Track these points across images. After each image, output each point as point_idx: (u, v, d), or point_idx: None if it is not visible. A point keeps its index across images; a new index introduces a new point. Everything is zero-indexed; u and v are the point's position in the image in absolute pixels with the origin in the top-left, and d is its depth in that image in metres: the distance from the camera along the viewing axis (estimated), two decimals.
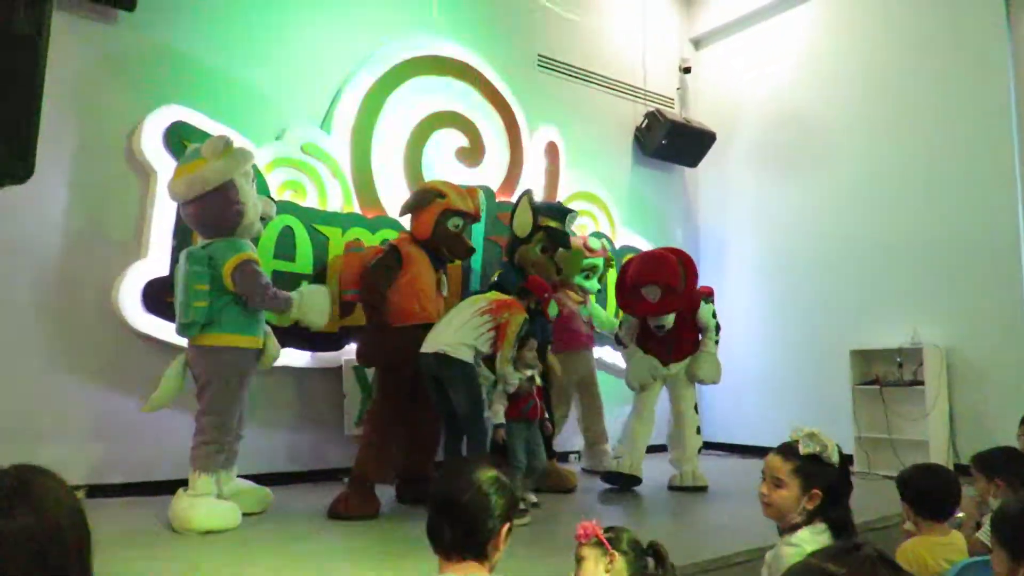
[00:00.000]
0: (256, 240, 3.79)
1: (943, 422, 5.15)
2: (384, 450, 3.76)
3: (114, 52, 4.15)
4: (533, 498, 3.84)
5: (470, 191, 4.19)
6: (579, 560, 1.70)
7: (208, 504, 3.21)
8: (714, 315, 4.76)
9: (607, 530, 1.71)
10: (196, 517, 3.13)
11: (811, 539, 1.91)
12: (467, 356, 3.61)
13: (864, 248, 5.81)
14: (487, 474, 1.54)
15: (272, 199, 3.76)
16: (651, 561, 1.71)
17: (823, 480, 1.95)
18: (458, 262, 4.56)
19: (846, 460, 2.03)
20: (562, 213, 4.60)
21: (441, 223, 3.96)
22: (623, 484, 4.44)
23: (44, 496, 0.93)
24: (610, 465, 4.54)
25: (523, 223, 4.41)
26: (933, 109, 5.50)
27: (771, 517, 2.01)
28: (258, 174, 3.76)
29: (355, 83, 4.90)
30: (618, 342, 5.04)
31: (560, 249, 4.48)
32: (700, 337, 4.74)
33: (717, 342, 4.78)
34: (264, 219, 3.65)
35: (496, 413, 3.70)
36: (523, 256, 4.43)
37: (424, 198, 4.02)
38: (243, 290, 3.36)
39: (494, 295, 3.91)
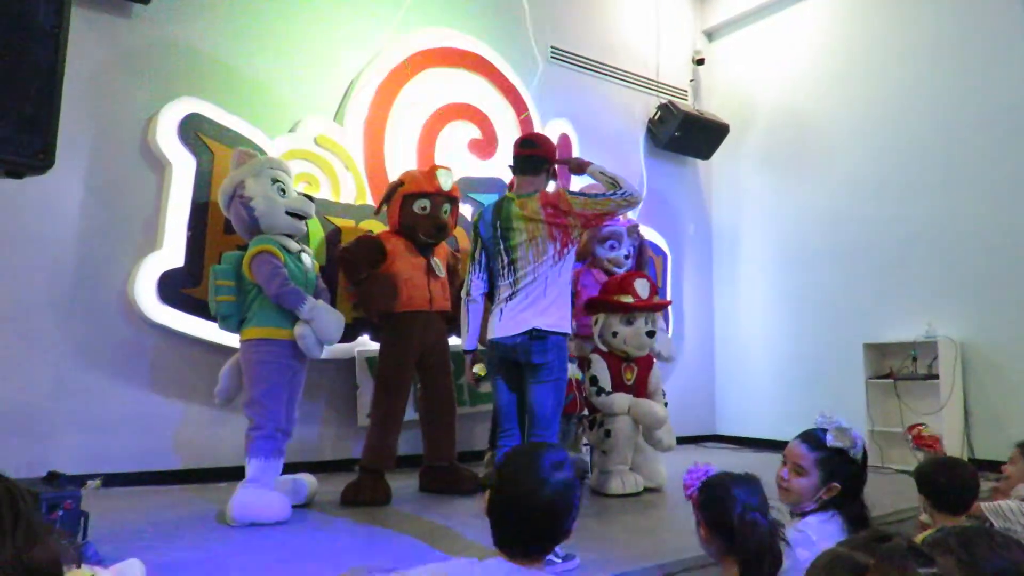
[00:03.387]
0: (304, 239, 3.84)
1: (958, 416, 5.13)
2: (384, 436, 3.80)
3: (129, 46, 4.17)
4: None
5: (431, 169, 4.11)
6: None
7: (254, 494, 3.21)
8: None
9: None
10: (239, 507, 3.14)
11: (817, 526, 1.93)
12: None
13: (878, 241, 5.78)
14: (563, 475, 1.45)
15: (309, 197, 3.75)
16: None
17: (844, 474, 1.95)
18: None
19: (866, 456, 2.04)
20: None
21: (406, 208, 3.98)
22: None
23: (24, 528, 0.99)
24: None
25: None
26: (948, 101, 5.45)
27: (785, 502, 2.02)
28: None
29: (368, 75, 4.91)
30: None
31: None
32: None
33: None
34: (299, 215, 3.65)
35: None
36: None
37: (388, 192, 4.09)
38: (258, 279, 3.40)
39: None
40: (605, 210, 3.03)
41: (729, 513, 1.59)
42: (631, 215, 5.73)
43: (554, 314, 2.90)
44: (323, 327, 3.46)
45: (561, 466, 1.46)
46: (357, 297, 4.10)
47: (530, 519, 1.41)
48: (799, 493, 1.97)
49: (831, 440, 1.99)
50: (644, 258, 4.99)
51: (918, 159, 5.59)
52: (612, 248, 4.82)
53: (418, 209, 3.94)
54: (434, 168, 4.08)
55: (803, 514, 1.98)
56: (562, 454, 1.49)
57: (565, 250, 2.96)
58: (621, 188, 3.02)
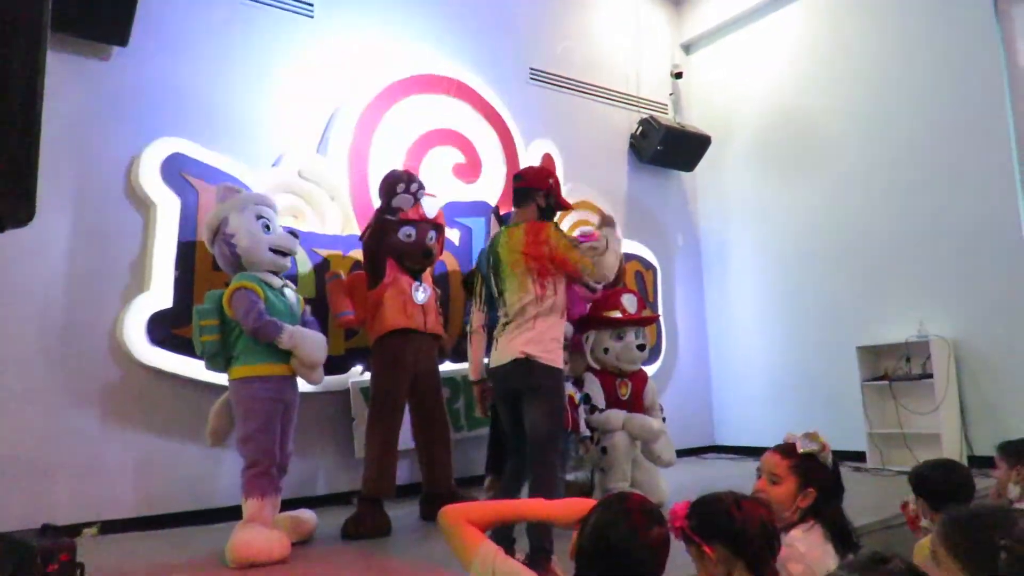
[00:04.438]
0: (293, 277, 3.89)
1: (954, 414, 5.13)
2: (382, 465, 3.78)
3: (109, 88, 4.18)
4: None
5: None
6: None
7: (252, 533, 3.17)
8: None
9: None
10: (237, 548, 3.09)
11: (803, 537, 1.96)
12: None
13: (866, 244, 5.81)
14: (654, 531, 1.47)
15: (294, 233, 3.75)
16: None
17: (818, 479, 2.00)
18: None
19: (838, 463, 2.09)
20: None
21: (391, 236, 3.96)
22: None
23: None
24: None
25: None
26: (928, 101, 5.51)
27: None
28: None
29: (349, 105, 4.93)
30: None
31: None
32: None
33: None
34: (282, 252, 3.64)
35: None
36: None
37: (372, 219, 4.09)
38: (237, 316, 3.38)
39: None
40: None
41: (724, 512, 1.61)
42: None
43: (542, 343, 2.94)
44: (307, 352, 3.44)
45: (654, 517, 1.49)
46: (357, 320, 4.06)
47: (613, 569, 1.43)
48: (778, 503, 2.01)
49: (802, 445, 2.05)
50: (620, 273, 5.01)
51: (901, 160, 5.64)
52: None
53: (404, 236, 3.94)
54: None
55: (785, 529, 1.99)
56: (657, 512, 1.52)
57: (545, 281, 2.98)
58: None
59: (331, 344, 4.46)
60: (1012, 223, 5.01)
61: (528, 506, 1.64)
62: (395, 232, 3.93)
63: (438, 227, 4.15)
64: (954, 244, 5.28)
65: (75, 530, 3.65)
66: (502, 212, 5.11)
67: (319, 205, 4.70)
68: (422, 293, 3.97)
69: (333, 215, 4.74)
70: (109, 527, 3.83)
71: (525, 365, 2.90)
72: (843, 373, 5.63)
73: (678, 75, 7.15)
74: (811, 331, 6.17)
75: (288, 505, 3.61)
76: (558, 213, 3.38)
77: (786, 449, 2.08)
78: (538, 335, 2.94)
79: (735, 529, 1.60)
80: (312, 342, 3.47)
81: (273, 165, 4.60)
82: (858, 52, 6.00)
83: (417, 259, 3.96)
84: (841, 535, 2.00)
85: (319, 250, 4.57)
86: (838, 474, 2.10)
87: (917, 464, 2.54)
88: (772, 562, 1.63)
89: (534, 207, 3.19)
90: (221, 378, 3.81)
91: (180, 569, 3.13)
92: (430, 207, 4.02)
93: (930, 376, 5.15)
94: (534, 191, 3.20)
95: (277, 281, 3.60)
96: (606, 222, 3.45)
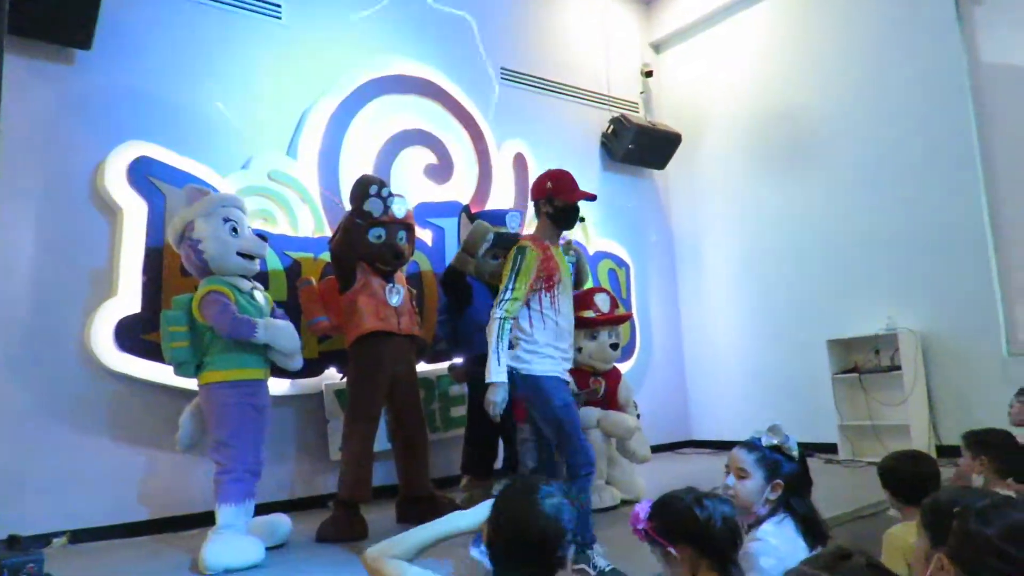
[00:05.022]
0: (263, 277, 3.87)
1: (923, 405, 5.23)
2: (359, 469, 3.76)
3: (73, 92, 4.11)
4: None
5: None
6: None
7: (227, 539, 3.14)
8: None
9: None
10: (211, 554, 3.07)
11: (775, 531, 1.99)
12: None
13: (835, 239, 5.90)
14: (555, 498, 1.52)
15: (263, 237, 3.71)
16: None
17: (785, 470, 2.05)
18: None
19: (805, 456, 2.13)
20: (500, 215, 4.60)
21: (362, 239, 3.89)
22: None
23: None
24: None
25: (477, 238, 4.39)
26: (894, 97, 5.60)
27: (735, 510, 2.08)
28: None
29: (319, 107, 4.90)
30: None
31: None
32: None
33: None
34: (250, 255, 3.60)
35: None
36: (479, 270, 4.42)
37: (341, 222, 4.05)
38: (209, 321, 3.34)
39: None
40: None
41: (686, 511, 1.63)
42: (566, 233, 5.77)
43: (516, 354, 3.08)
44: (283, 343, 3.45)
45: (551, 496, 1.52)
46: (331, 326, 4.03)
47: (524, 548, 1.47)
48: (747, 497, 2.05)
49: (765, 439, 2.11)
50: (582, 274, 5.01)
51: (869, 157, 5.72)
52: None
53: (373, 238, 3.91)
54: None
55: (756, 523, 2.02)
56: (552, 486, 1.56)
57: (505, 293, 3.07)
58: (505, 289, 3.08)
59: (304, 347, 4.44)
60: (977, 218, 5.11)
61: (444, 522, 1.67)
62: (364, 234, 3.90)
63: (408, 227, 4.13)
64: (921, 239, 5.37)
65: (45, 540, 3.60)
66: (473, 211, 5.10)
67: (289, 208, 4.66)
68: (395, 296, 3.95)
69: (304, 217, 4.70)
70: (80, 536, 3.78)
71: (512, 377, 3.06)
72: (814, 366, 5.71)
73: (648, 74, 7.20)
74: (783, 325, 6.24)
75: (262, 509, 3.59)
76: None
77: (750, 444, 2.12)
78: (514, 349, 3.13)
79: (698, 528, 1.62)
80: (285, 332, 3.49)
81: (242, 168, 4.56)
82: (825, 51, 6.09)
83: (388, 260, 3.94)
84: (812, 528, 2.04)
85: (290, 253, 4.54)
86: (806, 466, 2.14)
87: (886, 456, 2.58)
88: (735, 557, 1.66)
89: (543, 217, 3.26)
90: (191, 383, 3.77)
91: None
92: (399, 207, 3.98)
93: (899, 368, 5.24)
94: (537, 203, 3.28)
95: (246, 284, 3.57)
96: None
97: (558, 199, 3.21)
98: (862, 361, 5.56)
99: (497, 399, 2.94)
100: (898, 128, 5.55)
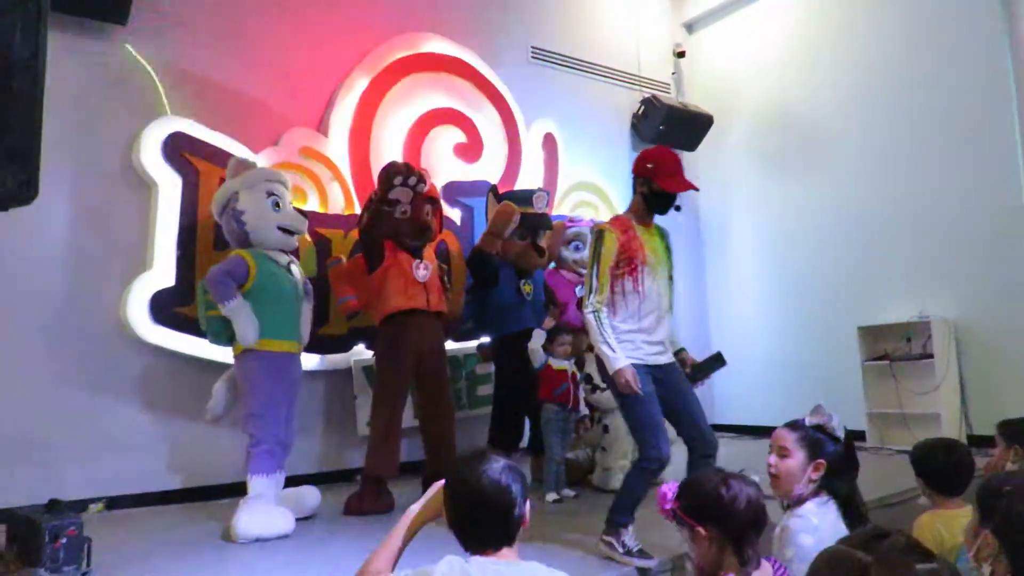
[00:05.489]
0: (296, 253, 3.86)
1: (954, 394, 5.16)
2: (386, 445, 3.80)
3: (109, 68, 4.16)
4: (571, 493, 3.88)
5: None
6: None
7: (258, 510, 3.21)
8: None
9: None
10: (243, 523, 3.13)
11: (816, 511, 1.98)
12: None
13: (868, 224, 5.80)
14: (498, 464, 1.56)
15: (304, 213, 3.74)
16: None
17: (828, 451, 2.03)
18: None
19: (851, 437, 2.11)
20: (527, 196, 4.56)
21: (386, 215, 3.89)
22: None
23: None
24: None
25: (504, 218, 4.34)
26: (932, 82, 5.47)
27: (777, 490, 2.08)
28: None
29: (350, 84, 4.91)
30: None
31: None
32: None
33: None
34: (290, 231, 3.63)
35: None
36: (506, 251, 4.42)
37: (366, 204, 4.04)
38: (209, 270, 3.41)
39: None
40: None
41: (712, 492, 1.64)
42: (592, 215, 5.74)
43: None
44: (239, 330, 3.37)
45: (495, 462, 1.57)
46: (360, 304, 4.06)
47: (480, 512, 1.53)
48: (788, 475, 2.05)
49: (808, 420, 2.10)
50: None
51: (904, 141, 5.61)
52: (577, 249, 4.85)
53: (399, 214, 3.91)
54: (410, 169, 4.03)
55: (799, 503, 2.02)
56: (496, 457, 1.60)
57: (590, 284, 2.91)
58: None
59: (333, 323, 4.50)
60: (1014, 205, 5.00)
61: (405, 521, 1.70)
62: (390, 214, 3.91)
63: (433, 200, 4.12)
64: (956, 225, 5.27)
65: (81, 506, 3.69)
66: (500, 192, 5.08)
67: (320, 185, 4.69)
68: (423, 270, 3.96)
69: (334, 195, 4.73)
70: (115, 503, 3.88)
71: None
72: (843, 353, 5.65)
73: (680, 54, 7.10)
74: (812, 311, 6.17)
75: (291, 482, 3.64)
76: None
77: (794, 424, 2.11)
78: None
79: (723, 508, 1.62)
80: (247, 327, 3.37)
81: (274, 144, 4.59)
82: (861, 32, 5.95)
83: (415, 235, 3.94)
84: (853, 512, 2.02)
85: (320, 230, 4.57)
86: (851, 449, 2.11)
87: (918, 443, 2.55)
88: (756, 540, 1.66)
89: (638, 196, 3.03)
90: (224, 356, 3.84)
91: (186, 544, 3.16)
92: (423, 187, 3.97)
93: (931, 356, 5.16)
94: (634, 180, 3.05)
95: (284, 258, 3.61)
96: None
97: (656, 183, 2.96)
98: (893, 349, 5.49)
99: (628, 377, 2.73)
100: (935, 111, 5.43)
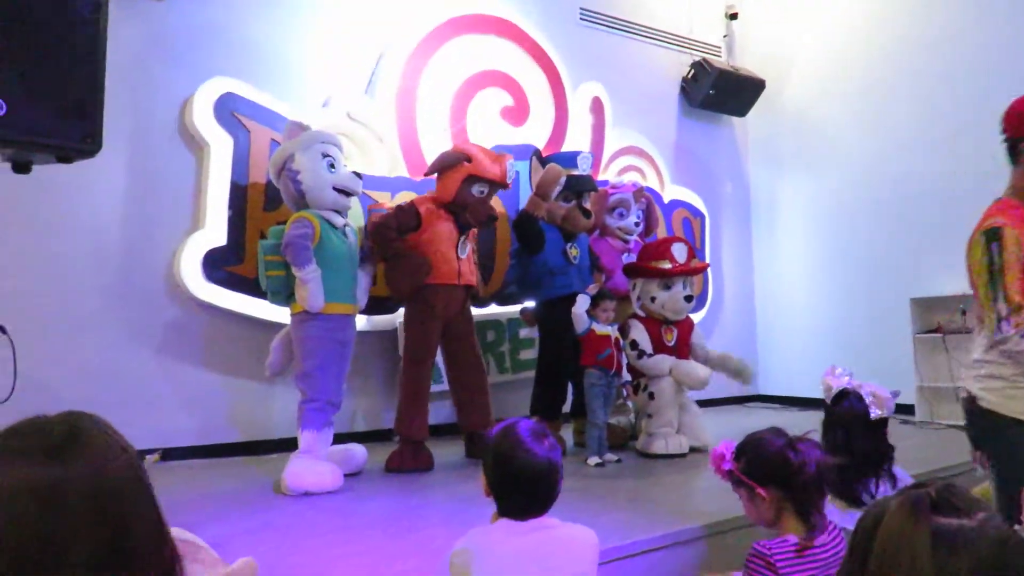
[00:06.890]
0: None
1: None
2: (412, 408, 3.86)
3: (162, 29, 4.21)
4: (613, 457, 3.90)
5: (500, 157, 4.05)
6: None
7: (308, 464, 3.30)
8: None
9: None
10: (293, 477, 3.22)
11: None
12: None
13: (921, 194, 5.62)
14: (544, 443, 1.58)
15: (359, 175, 3.77)
16: None
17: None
18: None
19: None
20: (571, 157, 4.53)
21: (465, 188, 3.92)
22: None
23: (97, 445, 0.89)
24: None
25: (549, 181, 4.32)
26: (993, 47, 5.24)
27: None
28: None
29: (396, 46, 4.89)
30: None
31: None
32: None
33: None
34: (346, 192, 3.66)
35: None
36: (551, 214, 4.40)
37: (450, 160, 3.95)
38: (285, 237, 3.44)
39: None
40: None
41: (778, 454, 1.63)
42: (635, 178, 5.64)
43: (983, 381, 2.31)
44: (307, 297, 3.41)
45: (543, 436, 1.60)
46: (385, 276, 4.10)
47: (527, 487, 1.56)
48: None
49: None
50: (653, 220, 4.90)
51: (961, 106, 5.39)
52: (621, 216, 4.83)
53: (476, 192, 3.94)
54: (504, 157, 4.04)
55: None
56: (535, 428, 1.61)
57: (995, 307, 2.17)
58: None
59: (379, 285, 4.54)
60: None
61: None
62: (469, 187, 3.94)
63: (503, 187, 4.16)
64: None
65: (139, 456, 3.82)
66: (544, 155, 5.05)
67: (367, 147, 4.71)
68: (465, 249, 4.00)
69: (381, 157, 4.75)
70: (169, 455, 4.01)
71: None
72: (895, 325, 5.53)
73: (733, 16, 6.91)
74: (862, 282, 6.04)
75: (339, 439, 3.73)
76: None
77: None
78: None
79: (790, 472, 1.61)
80: (317, 294, 3.41)
81: (322, 106, 4.61)
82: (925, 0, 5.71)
83: (479, 218, 3.98)
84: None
85: (367, 191, 4.59)
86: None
87: None
88: (821, 504, 1.65)
89: (1020, 164, 2.24)
90: (275, 314, 3.92)
91: (237, 495, 3.26)
92: (511, 172, 4.07)
93: None
94: (1014, 144, 2.31)
95: (339, 220, 3.65)
96: None
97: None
98: (946, 321, 5.35)
99: None
100: (994, 81, 5.18)
